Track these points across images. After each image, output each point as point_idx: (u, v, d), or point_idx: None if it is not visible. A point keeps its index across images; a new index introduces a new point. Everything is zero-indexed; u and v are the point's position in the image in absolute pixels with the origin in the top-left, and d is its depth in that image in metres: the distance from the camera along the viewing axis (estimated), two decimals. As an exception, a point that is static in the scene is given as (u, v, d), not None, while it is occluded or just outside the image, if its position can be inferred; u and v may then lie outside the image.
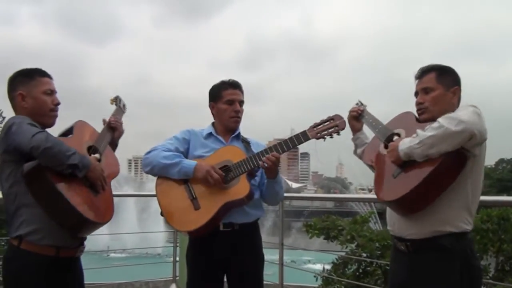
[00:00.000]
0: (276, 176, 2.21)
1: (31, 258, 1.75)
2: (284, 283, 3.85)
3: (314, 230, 8.40)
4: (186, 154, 2.32)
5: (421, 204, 1.76)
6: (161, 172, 2.21)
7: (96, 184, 1.86)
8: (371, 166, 2.08)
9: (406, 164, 1.80)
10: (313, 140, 2.15)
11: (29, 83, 1.91)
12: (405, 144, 1.76)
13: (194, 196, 2.15)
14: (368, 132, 2.25)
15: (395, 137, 1.92)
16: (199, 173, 2.12)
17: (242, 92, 2.39)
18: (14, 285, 1.76)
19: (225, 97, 2.33)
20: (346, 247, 7.95)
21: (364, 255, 7.61)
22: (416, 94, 1.99)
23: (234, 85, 2.36)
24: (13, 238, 1.79)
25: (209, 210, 2.11)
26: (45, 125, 1.94)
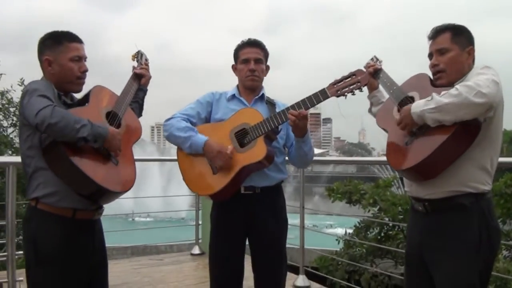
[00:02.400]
0: (304, 135, 2.13)
1: (48, 218, 1.75)
2: (306, 246, 3.85)
3: (337, 194, 8.40)
4: (208, 117, 2.30)
5: (434, 172, 1.71)
6: (176, 144, 2.20)
7: (115, 153, 1.81)
8: (384, 130, 2.02)
9: (419, 131, 1.74)
10: (336, 100, 2.05)
11: (57, 48, 1.84)
12: (418, 106, 1.69)
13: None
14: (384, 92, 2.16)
15: (409, 104, 1.84)
16: (209, 153, 2.10)
17: (261, 49, 2.28)
18: (33, 244, 1.75)
19: (241, 57, 2.26)
20: (369, 211, 7.95)
21: (387, 219, 7.62)
22: (430, 55, 1.88)
23: (250, 43, 2.28)
24: (31, 199, 1.79)
25: (227, 174, 2.08)
26: (73, 91, 1.91)
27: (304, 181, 3.89)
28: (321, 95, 2.02)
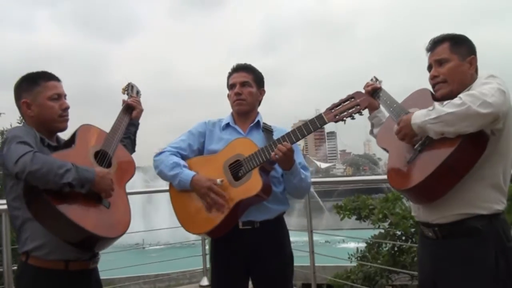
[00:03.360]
0: (291, 168, 2.02)
1: (40, 273, 1.68)
2: (317, 264, 3.76)
3: (345, 211, 8.27)
4: (202, 148, 2.25)
5: (439, 191, 1.60)
6: (166, 180, 2.17)
7: (105, 195, 1.73)
8: (385, 150, 1.95)
9: (421, 147, 1.66)
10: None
11: (34, 89, 1.81)
12: (419, 117, 1.60)
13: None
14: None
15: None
16: (197, 190, 2.03)
17: (248, 72, 2.24)
18: None
19: (229, 83, 2.26)
20: (379, 226, 7.81)
21: (399, 233, 7.47)
22: (430, 67, 1.83)
23: (236, 69, 2.27)
24: (21, 254, 1.73)
25: (222, 211, 1.99)
26: (57, 130, 1.87)
27: (310, 201, 3.85)
28: (318, 121, 1.94)
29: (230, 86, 2.24)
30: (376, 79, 2.14)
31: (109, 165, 1.86)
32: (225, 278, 2.14)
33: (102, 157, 1.85)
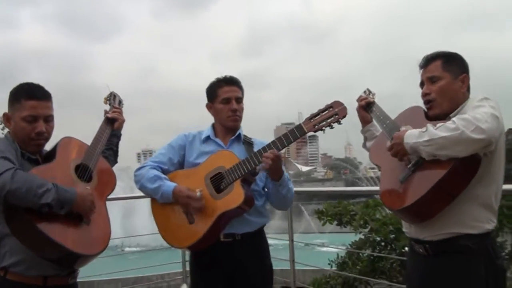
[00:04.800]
0: (280, 178, 2.04)
1: None
2: (297, 268, 3.78)
3: (327, 217, 8.33)
4: (182, 161, 2.23)
5: (431, 212, 1.62)
6: (148, 195, 2.15)
7: (85, 215, 1.70)
8: (377, 166, 1.96)
9: (414, 167, 1.67)
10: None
11: (14, 105, 1.76)
12: (411, 137, 1.61)
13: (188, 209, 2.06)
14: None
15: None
16: (179, 199, 2.03)
17: (240, 87, 2.23)
18: None
19: (221, 96, 2.19)
20: (360, 232, 7.88)
21: (378, 239, 7.54)
22: (422, 84, 1.83)
23: (229, 82, 2.21)
24: (0, 269, 1.69)
25: (204, 224, 1.99)
26: (30, 152, 1.79)
27: (291, 210, 3.85)
28: (297, 131, 1.95)
29: (223, 100, 2.18)
30: (370, 92, 2.14)
31: (89, 179, 1.82)
32: None
33: (83, 171, 1.82)
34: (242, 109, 2.23)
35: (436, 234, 1.67)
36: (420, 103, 1.89)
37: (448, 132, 1.51)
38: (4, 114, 1.78)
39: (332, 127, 1.97)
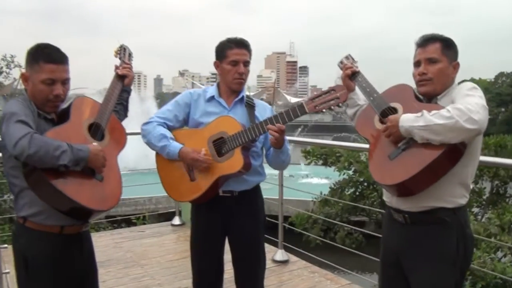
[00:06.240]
0: (281, 146, 2.17)
1: (36, 235, 1.77)
2: (284, 198, 3.93)
3: (312, 157, 8.57)
4: (187, 119, 2.30)
5: (417, 189, 1.76)
6: (154, 150, 2.24)
7: (98, 170, 1.80)
8: (365, 138, 2.03)
9: (404, 146, 1.76)
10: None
11: (33, 67, 1.77)
12: (407, 121, 1.70)
13: (191, 167, 2.17)
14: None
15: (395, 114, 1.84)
16: (185, 160, 2.15)
17: (249, 51, 2.26)
18: (23, 261, 1.77)
19: (230, 57, 2.20)
20: (344, 173, 8.16)
21: (361, 179, 7.84)
22: (418, 63, 1.87)
23: (239, 44, 2.22)
24: (18, 217, 1.80)
25: (204, 183, 2.14)
26: (45, 112, 1.83)
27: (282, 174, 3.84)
28: (299, 110, 2.06)
29: (231, 62, 2.21)
30: (352, 59, 2.15)
31: (102, 137, 1.91)
32: (203, 237, 2.29)
33: (95, 129, 1.89)
34: (248, 72, 2.28)
35: (416, 206, 1.82)
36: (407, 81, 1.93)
37: (443, 120, 1.61)
38: (22, 74, 1.79)
39: (332, 110, 2.08)
